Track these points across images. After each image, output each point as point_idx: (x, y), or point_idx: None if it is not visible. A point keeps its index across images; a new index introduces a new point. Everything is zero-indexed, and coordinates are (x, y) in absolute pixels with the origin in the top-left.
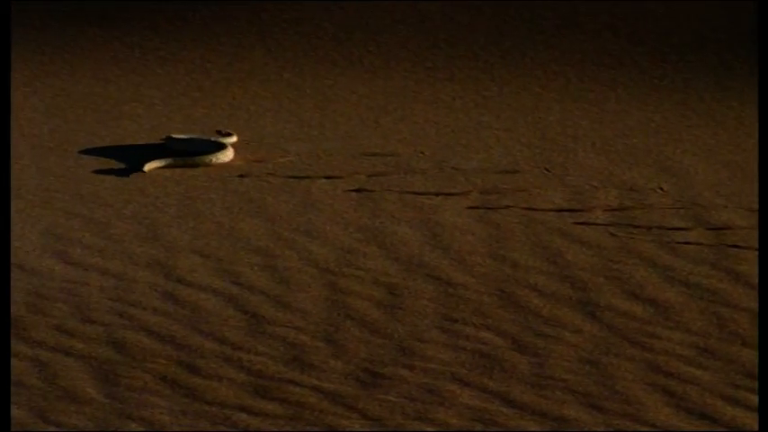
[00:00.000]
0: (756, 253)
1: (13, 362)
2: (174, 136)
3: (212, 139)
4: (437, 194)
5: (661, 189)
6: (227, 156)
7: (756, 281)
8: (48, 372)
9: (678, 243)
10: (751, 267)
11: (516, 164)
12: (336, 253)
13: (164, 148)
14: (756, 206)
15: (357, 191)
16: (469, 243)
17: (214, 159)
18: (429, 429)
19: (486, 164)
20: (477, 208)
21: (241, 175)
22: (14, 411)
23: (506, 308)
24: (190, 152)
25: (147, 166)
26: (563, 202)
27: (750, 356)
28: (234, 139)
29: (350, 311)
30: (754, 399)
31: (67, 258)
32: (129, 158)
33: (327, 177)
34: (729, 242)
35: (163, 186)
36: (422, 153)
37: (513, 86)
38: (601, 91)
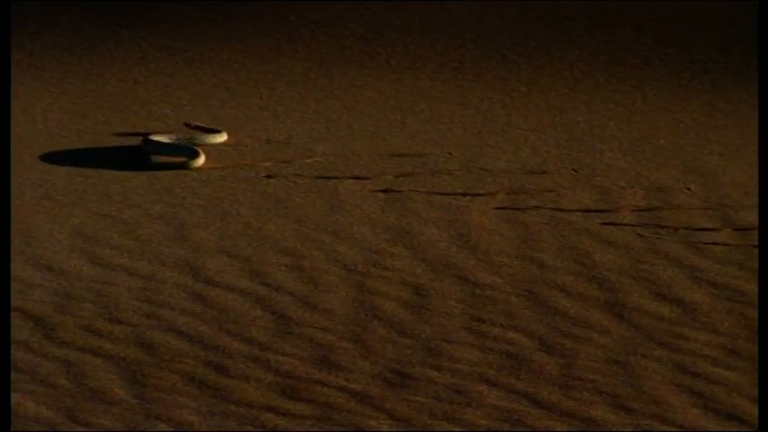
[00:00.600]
0: None
1: (42, 362)
2: (151, 138)
3: (188, 143)
4: (464, 195)
5: (688, 189)
6: (200, 161)
7: None
8: (76, 372)
9: (705, 244)
10: None
11: (544, 164)
12: (364, 253)
13: (140, 151)
14: None
15: (384, 191)
16: (497, 243)
17: (189, 164)
18: (457, 430)
19: (513, 164)
20: (504, 208)
21: (268, 176)
22: (43, 411)
23: (534, 308)
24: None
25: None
26: (590, 203)
27: None
28: (224, 137)
29: (377, 312)
30: None
31: (96, 259)
32: (107, 161)
33: (355, 178)
34: (757, 243)
35: (190, 187)
36: (449, 153)
37: (541, 87)
38: (628, 91)
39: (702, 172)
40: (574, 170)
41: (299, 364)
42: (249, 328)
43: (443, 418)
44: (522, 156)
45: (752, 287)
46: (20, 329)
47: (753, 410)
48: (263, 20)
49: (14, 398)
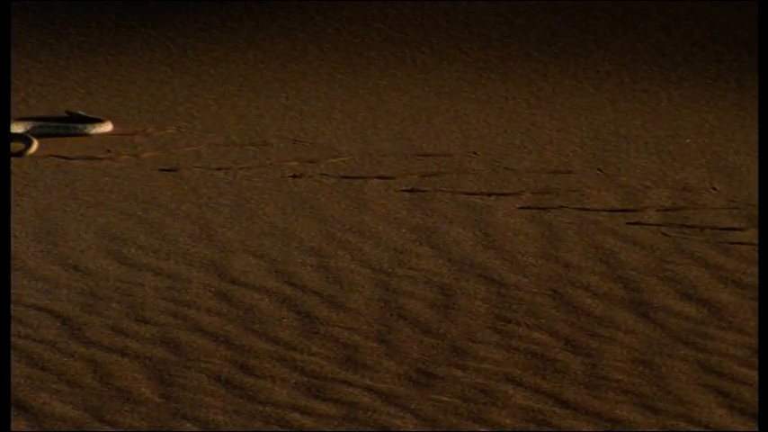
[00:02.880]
0: None
1: (69, 361)
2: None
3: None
4: (490, 195)
5: (714, 189)
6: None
7: None
8: (102, 372)
9: (731, 243)
10: None
11: (569, 164)
12: (389, 253)
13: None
14: None
15: (410, 191)
16: (522, 243)
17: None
18: (482, 430)
19: (538, 164)
20: (529, 208)
21: (294, 176)
22: (69, 411)
23: (559, 308)
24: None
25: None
26: (616, 203)
27: None
28: (109, 126)
29: (403, 312)
30: None
31: (122, 258)
32: None
33: (380, 178)
34: None
35: (216, 186)
36: (474, 153)
37: (566, 86)
38: (654, 91)
39: (728, 171)
40: (599, 170)
41: (325, 364)
42: (275, 328)
43: (469, 418)
44: (547, 155)
45: None
46: (47, 329)
47: None
48: (289, 20)
49: (41, 397)
